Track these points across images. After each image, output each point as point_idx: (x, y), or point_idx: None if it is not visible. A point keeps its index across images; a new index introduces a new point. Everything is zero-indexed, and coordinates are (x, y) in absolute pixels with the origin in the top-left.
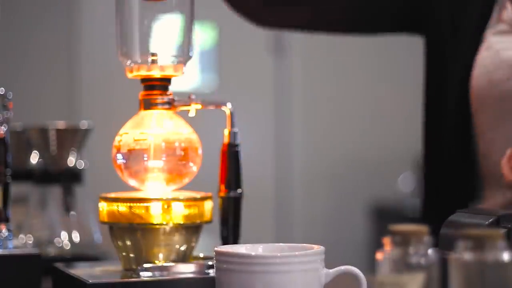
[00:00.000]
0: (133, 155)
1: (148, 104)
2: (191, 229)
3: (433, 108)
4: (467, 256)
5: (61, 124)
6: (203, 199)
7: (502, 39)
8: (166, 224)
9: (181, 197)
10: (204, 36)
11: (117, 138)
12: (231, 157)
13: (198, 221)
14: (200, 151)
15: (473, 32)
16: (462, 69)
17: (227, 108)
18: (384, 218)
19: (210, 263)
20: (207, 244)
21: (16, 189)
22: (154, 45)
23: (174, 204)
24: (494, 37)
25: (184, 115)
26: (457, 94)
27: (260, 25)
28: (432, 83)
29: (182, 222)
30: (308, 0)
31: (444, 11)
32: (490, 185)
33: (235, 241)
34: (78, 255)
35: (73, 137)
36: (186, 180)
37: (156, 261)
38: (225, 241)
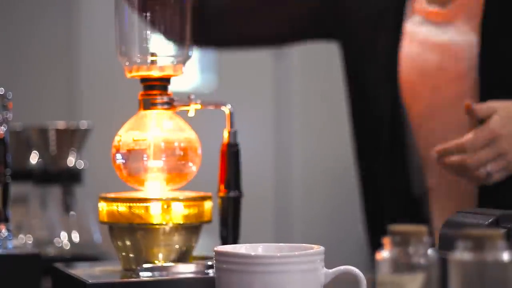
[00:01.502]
0: (133, 155)
1: (147, 104)
2: (191, 229)
3: (360, 111)
4: (467, 256)
5: (60, 124)
6: (203, 199)
7: (422, 29)
8: (166, 224)
9: (181, 197)
10: None
11: (117, 138)
12: (230, 157)
13: (197, 221)
14: (199, 151)
15: (391, 26)
16: (387, 64)
17: (227, 108)
18: None
19: (209, 263)
20: (207, 244)
21: (15, 189)
22: (153, 45)
23: (174, 204)
24: (415, 28)
25: (183, 115)
26: (384, 91)
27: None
28: (355, 86)
29: (181, 222)
30: (236, 19)
31: (358, 11)
32: (434, 175)
33: (235, 241)
34: (77, 255)
35: (72, 137)
36: (186, 180)
37: (156, 261)
38: (224, 241)
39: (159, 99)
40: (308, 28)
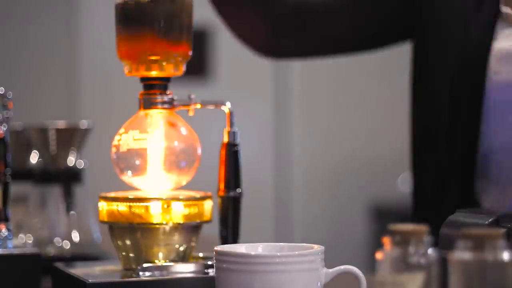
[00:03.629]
0: (133, 155)
1: (148, 104)
2: (191, 229)
3: (425, 114)
4: (467, 256)
5: (60, 124)
6: (203, 198)
7: None
8: (166, 224)
9: (181, 197)
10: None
11: (117, 137)
12: (230, 156)
13: (197, 220)
14: (199, 151)
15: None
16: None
17: (227, 108)
18: (384, 218)
19: (209, 262)
20: (207, 244)
21: (16, 188)
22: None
23: (174, 204)
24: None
25: (183, 115)
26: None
27: (268, 56)
28: (421, 83)
29: (181, 222)
30: (314, 26)
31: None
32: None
33: (235, 240)
34: (77, 255)
35: (72, 137)
36: (186, 180)
37: (156, 261)
38: (224, 241)
39: (159, 99)
40: (388, 30)
